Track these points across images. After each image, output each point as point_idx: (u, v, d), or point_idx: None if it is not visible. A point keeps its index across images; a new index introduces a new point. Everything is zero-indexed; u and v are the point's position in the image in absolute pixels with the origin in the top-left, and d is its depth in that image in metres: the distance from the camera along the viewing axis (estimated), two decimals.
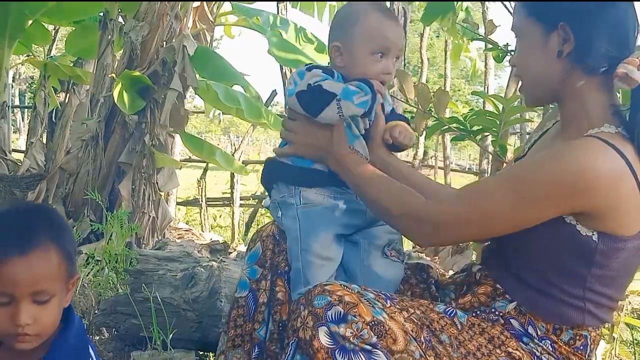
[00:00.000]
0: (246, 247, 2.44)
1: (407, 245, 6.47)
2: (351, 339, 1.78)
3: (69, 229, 1.82)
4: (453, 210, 1.96)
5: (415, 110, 3.96)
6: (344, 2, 8.69)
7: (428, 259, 5.66)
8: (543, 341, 1.97)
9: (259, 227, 2.48)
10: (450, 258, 5.96)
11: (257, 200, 10.33)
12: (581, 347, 1.98)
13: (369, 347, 1.78)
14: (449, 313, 1.99)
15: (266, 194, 2.49)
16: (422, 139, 7.63)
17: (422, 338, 1.85)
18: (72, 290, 1.84)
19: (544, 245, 1.94)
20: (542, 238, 1.92)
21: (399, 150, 2.44)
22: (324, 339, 1.79)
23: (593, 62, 1.96)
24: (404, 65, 8.89)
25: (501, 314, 2.01)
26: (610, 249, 1.90)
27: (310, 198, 2.31)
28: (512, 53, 2.25)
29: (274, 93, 8.96)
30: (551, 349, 1.96)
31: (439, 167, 10.49)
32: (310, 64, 2.37)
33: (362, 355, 1.78)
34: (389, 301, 1.92)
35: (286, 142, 2.39)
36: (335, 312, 1.81)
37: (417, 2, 8.83)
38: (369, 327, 1.79)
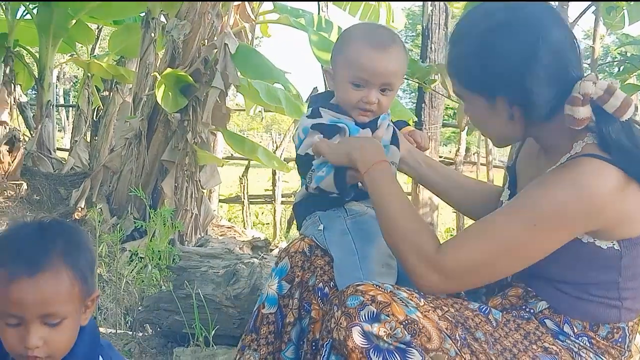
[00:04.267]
0: (274, 264, 2.40)
1: None
2: (385, 338, 1.77)
3: (86, 247, 1.75)
4: (461, 255, 1.92)
5: (457, 105, 3.94)
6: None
7: None
8: (580, 338, 1.96)
9: (287, 244, 2.45)
10: None
11: None
12: (619, 340, 1.97)
13: (403, 346, 1.78)
14: (483, 310, 1.97)
15: None
16: (464, 134, 7.57)
17: (457, 336, 1.84)
18: (92, 307, 1.78)
19: (569, 266, 1.93)
20: (565, 261, 1.91)
21: None
22: (358, 338, 1.78)
23: (546, 112, 1.93)
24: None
25: (534, 314, 2.00)
26: (634, 251, 1.90)
27: (356, 209, 2.31)
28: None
29: (314, 91, 8.97)
30: (589, 345, 1.95)
31: (482, 164, 10.40)
32: (316, 118, 2.33)
33: (396, 354, 1.77)
34: (422, 299, 1.90)
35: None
36: (368, 311, 1.80)
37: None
38: (402, 325, 1.79)
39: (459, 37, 2.04)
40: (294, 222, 10.52)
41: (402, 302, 1.84)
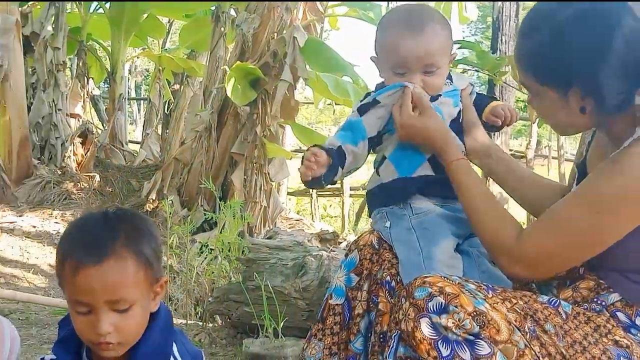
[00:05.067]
0: (344, 256, 2.40)
1: None
2: (453, 329, 1.76)
3: (150, 233, 1.77)
4: (535, 244, 1.95)
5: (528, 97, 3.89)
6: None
7: None
8: None
9: (357, 237, 2.45)
10: None
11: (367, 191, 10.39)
12: None
13: (471, 338, 1.77)
14: (552, 303, 1.95)
15: None
16: (535, 127, 7.47)
17: (526, 328, 1.83)
18: (162, 293, 1.80)
19: (636, 250, 1.90)
20: (631, 245, 1.89)
21: (503, 126, 2.45)
22: (426, 329, 1.78)
23: (618, 103, 1.90)
24: None
25: (606, 306, 1.96)
26: None
27: (422, 207, 2.27)
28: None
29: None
30: None
31: (553, 157, 10.27)
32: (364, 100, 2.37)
33: (465, 346, 1.76)
34: (490, 292, 1.89)
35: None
36: (437, 303, 1.79)
37: None
38: (471, 317, 1.77)
39: (531, 29, 2.00)
40: (362, 214, 10.50)
41: (471, 294, 1.83)
